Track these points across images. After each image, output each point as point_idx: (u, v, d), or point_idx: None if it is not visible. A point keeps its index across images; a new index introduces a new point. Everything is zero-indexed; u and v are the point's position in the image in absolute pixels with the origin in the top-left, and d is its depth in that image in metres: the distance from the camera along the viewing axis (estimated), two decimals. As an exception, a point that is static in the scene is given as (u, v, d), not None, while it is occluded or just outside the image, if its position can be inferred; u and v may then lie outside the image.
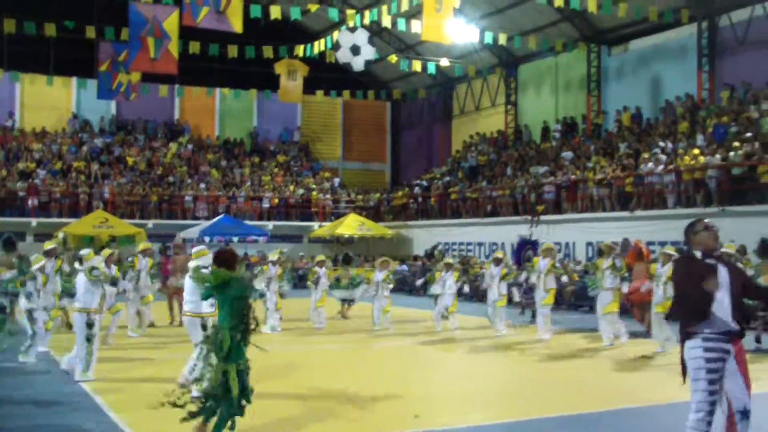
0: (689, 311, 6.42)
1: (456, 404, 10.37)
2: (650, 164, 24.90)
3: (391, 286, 18.99)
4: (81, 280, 11.74)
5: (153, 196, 35.31)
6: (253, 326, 7.71)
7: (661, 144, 25.38)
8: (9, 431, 8.50)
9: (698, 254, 6.50)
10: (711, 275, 6.23)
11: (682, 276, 6.54)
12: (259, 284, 16.90)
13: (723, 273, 6.40)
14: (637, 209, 24.95)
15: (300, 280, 24.97)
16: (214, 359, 7.50)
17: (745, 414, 6.37)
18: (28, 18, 27.41)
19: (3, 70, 31.73)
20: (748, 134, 23.26)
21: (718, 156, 22.98)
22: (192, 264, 10.19)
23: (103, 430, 8.64)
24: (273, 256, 18.79)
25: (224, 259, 8.01)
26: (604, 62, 33.10)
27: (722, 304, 6.33)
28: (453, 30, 24.94)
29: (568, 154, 30.69)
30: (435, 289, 18.84)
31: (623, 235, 24.07)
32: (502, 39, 29.17)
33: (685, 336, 6.48)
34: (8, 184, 33.51)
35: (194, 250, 10.86)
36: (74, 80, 36.51)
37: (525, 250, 18.44)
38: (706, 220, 6.72)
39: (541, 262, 17.01)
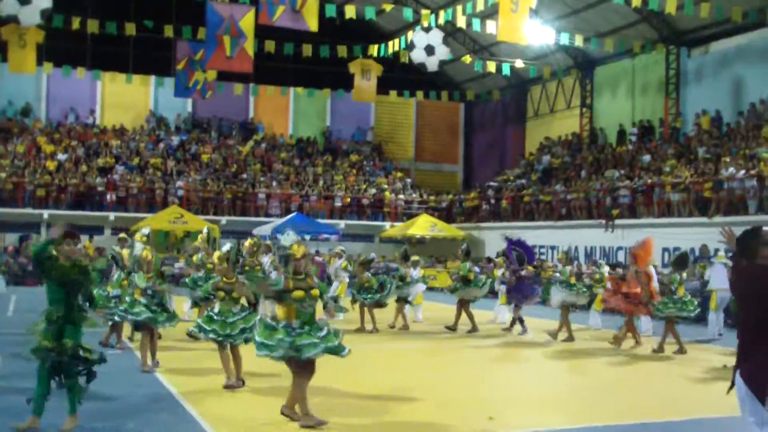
0: None
1: (528, 408, 10.24)
2: (731, 169, 24.25)
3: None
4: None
5: (227, 193, 35.79)
6: None
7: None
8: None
9: None
10: None
11: None
12: None
13: None
14: (715, 215, 24.33)
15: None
16: None
17: None
18: (110, 18, 28.08)
19: (86, 68, 32.61)
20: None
21: (802, 161, 22.30)
22: None
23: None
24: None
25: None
26: (684, 64, 32.32)
27: None
28: (529, 31, 24.64)
29: (645, 158, 30.12)
30: None
31: (701, 242, 23.58)
32: (578, 40, 28.80)
33: None
34: (88, 179, 34.38)
35: None
36: (152, 78, 37.18)
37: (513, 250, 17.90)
38: None
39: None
